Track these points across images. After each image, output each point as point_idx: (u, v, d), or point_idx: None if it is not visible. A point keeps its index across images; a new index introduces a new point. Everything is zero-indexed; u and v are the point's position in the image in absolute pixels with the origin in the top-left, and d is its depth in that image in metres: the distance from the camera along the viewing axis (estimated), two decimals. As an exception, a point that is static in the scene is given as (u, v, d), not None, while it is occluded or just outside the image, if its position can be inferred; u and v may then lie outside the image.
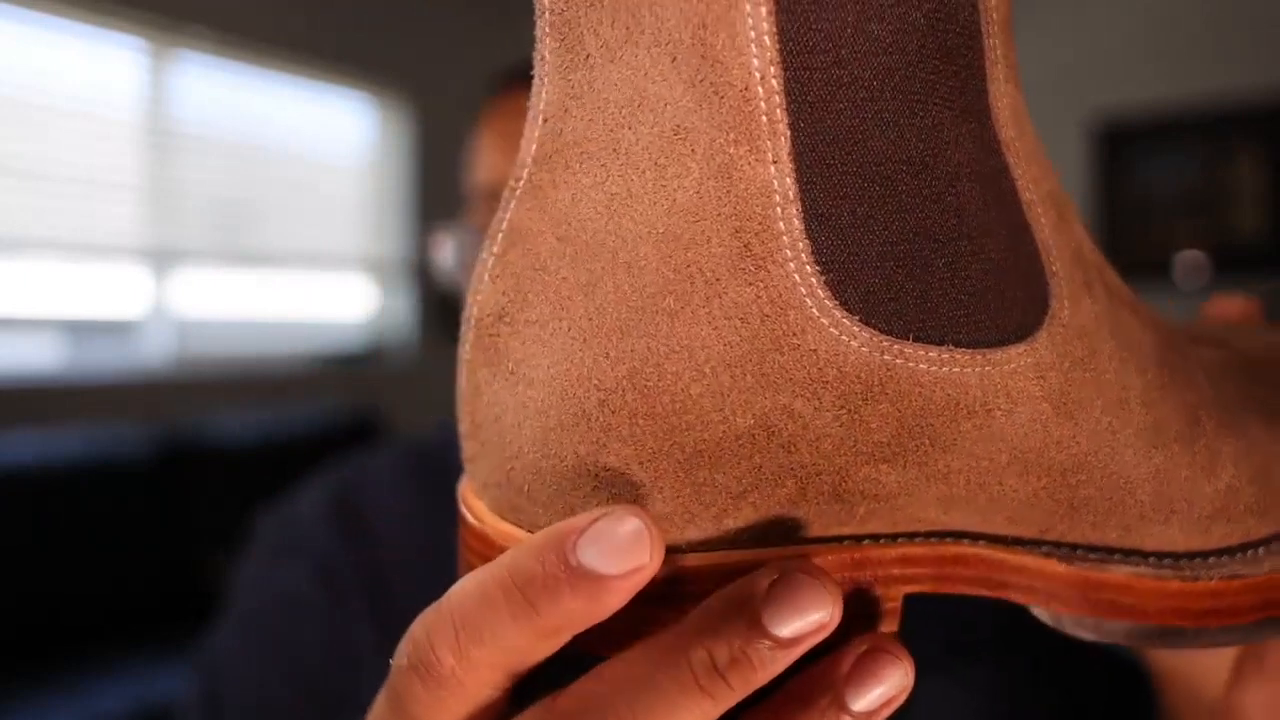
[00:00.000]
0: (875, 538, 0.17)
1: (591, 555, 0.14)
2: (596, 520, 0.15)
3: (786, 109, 0.15)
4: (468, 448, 0.18)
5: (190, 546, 2.14)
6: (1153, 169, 2.27)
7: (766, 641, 0.14)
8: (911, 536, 0.18)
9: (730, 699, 0.15)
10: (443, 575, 0.50)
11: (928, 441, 0.16)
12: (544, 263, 0.16)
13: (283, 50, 2.53)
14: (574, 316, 0.16)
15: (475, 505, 0.18)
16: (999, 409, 0.16)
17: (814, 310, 0.15)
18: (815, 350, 0.15)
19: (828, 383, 0.15)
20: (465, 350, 0.18)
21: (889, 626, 0.17)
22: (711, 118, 0.15)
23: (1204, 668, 0.29)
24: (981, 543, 0.18)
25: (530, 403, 0.16)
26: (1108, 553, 0.19)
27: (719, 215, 0.15)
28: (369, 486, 0.54)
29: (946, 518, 0.18)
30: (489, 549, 0.17)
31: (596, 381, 0.16)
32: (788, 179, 0.15)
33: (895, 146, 0.15)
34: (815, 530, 0.17)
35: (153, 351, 2.30)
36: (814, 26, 0.15)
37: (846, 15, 0.15)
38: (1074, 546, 0.19)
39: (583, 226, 0.16)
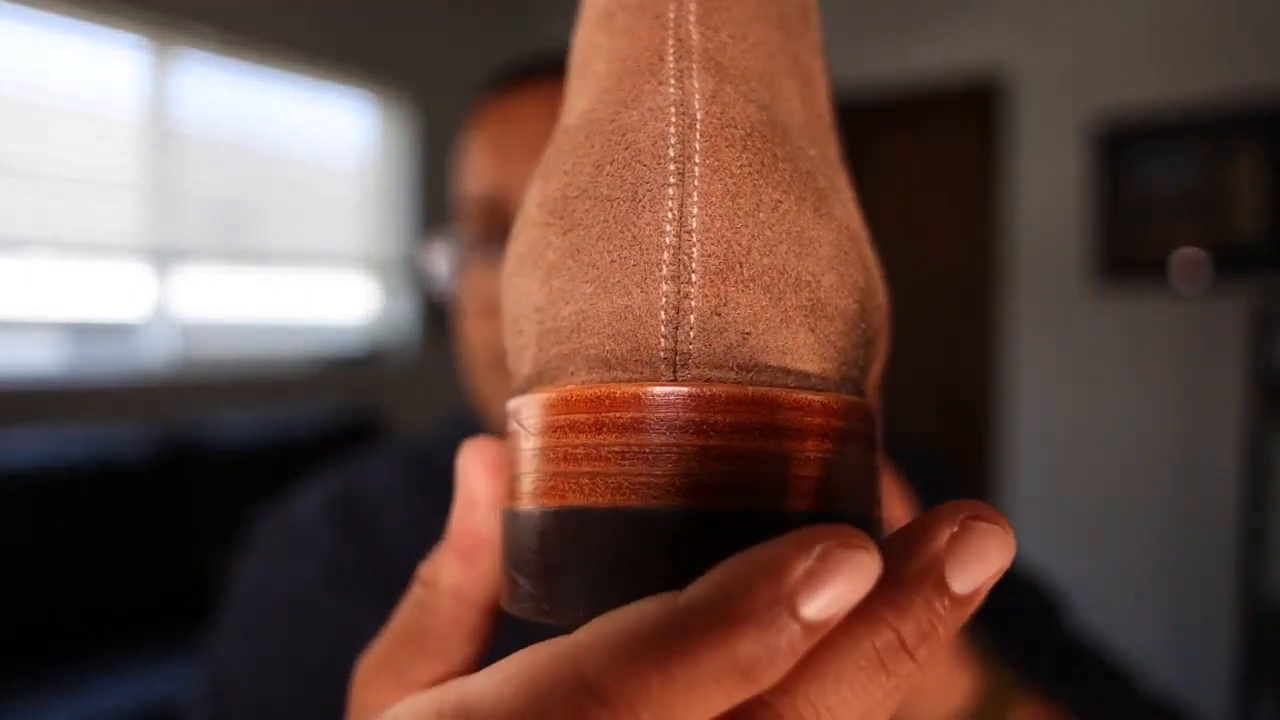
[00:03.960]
0: None
1: (819, 607, 0.11)
2: (815, 563, 0.12)
3: None
4: (755, 299, 0.15)
5: (190, 546, 2.14)
6: (1153, 169, 2.27)
7: (948, 602, 0.13)
8: None
9: (915, 678, 0.13)
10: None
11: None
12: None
13: (284, 49, 2.53)
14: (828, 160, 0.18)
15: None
16: None
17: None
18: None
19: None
20: (727, 159, 0.15)
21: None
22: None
23: None
24: None
25: (847, 244, 0.17)
26: None
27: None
28: (369, 488, 0.54)
29: None
30: (793, 414, 0.14)
31: (858, 226, 0.18)
32: None
33: None
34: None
35: (153, 352, 2.30)
36: None
37: None
38: None
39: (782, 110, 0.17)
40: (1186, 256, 2.24)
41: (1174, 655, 2.26)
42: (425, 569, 0.19)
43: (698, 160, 0.15)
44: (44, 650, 1.85)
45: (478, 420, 0.56)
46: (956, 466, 2.44)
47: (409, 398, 2.90)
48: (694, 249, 0.15)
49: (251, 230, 2.51)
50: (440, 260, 0.52)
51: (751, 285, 0.15)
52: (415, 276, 2.90)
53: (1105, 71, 2.34)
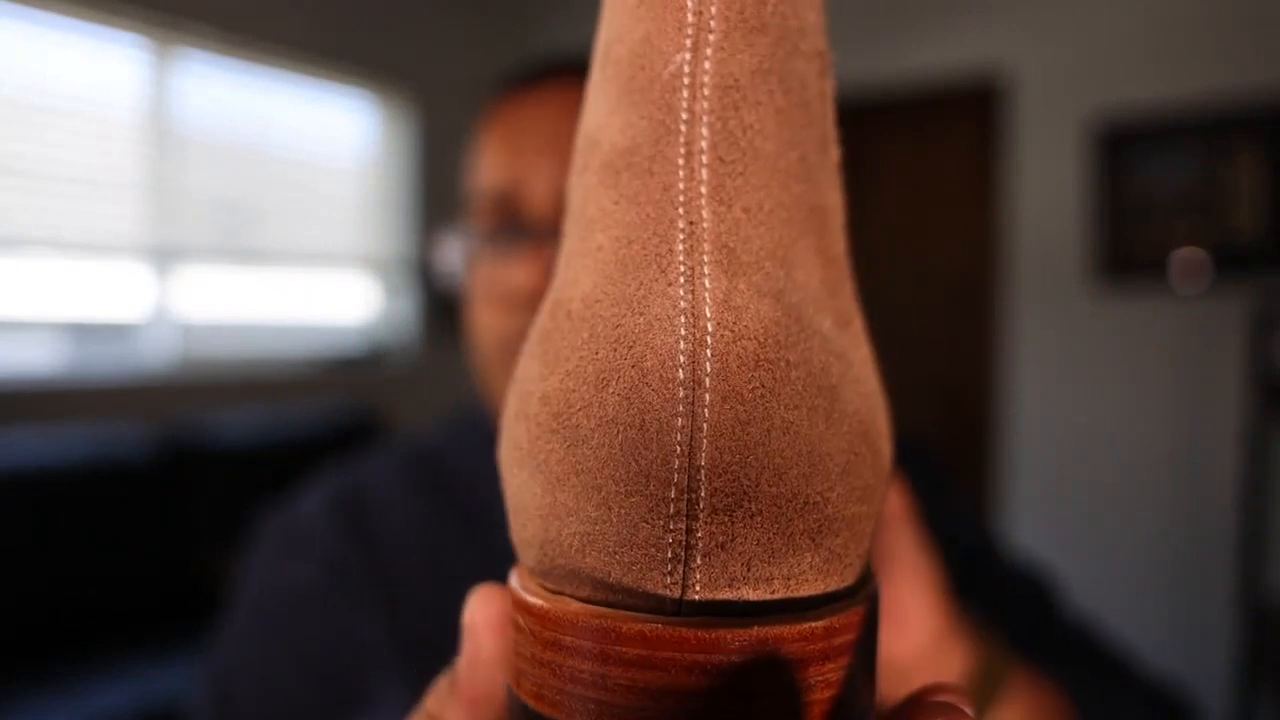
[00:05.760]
0: None
1: None
2: None
3: None
4: (746, 526, 0.15)
5: (190, 546, 2.14)
6: (1153, 169, 2.27)
7: None
8: None
9: None
10: (444, 576, 0.50)
11: None
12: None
13: (285, 49, 2.53)
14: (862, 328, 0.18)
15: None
16: None
17: None
18: None
19: None
20: (738, 383, 0.15)
21: None
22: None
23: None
24: None
25: (859, 442, 0.16)
26: None
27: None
28: (369, 489, 0.54)
29: None
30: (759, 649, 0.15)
31: (872, 405, 0.17)
32: None
33: None
34: None
35: (153, 352, 2.30)
36: None
37: None
38: None
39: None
40: (1186, 256, 2.24)
41: (1173, 654, 2.26)
42: (433, 703, 0.19)
43: (708, 385, 0.14)
44: (44, 650, 1.85)
45: (484, 420, 0.56)
46: (945, 455, 2.44)
47: (409, 398, 2.90)
48: (701, 487, 0.14)
49: (251, 230, 2.51)
50: (451, 253, 0.53)
51: (759, 517, 0.15)
52: (421, 272, 2.90)
53: (1105, 71, 2.34)
